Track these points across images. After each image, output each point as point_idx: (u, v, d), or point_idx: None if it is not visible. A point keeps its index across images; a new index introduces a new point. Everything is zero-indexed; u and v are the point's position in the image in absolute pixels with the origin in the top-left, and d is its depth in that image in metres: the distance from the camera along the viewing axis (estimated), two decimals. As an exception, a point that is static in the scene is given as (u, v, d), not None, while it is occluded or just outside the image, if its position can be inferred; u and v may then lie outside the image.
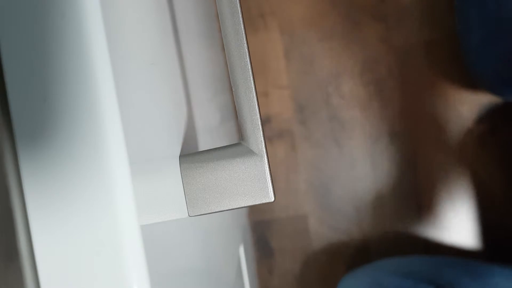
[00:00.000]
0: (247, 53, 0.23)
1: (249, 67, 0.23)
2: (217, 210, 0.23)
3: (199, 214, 0.23)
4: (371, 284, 0.62)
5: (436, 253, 0.83)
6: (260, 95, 0.85)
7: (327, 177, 0.84)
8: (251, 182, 0.23)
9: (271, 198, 0.23)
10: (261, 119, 0.23)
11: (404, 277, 0.61)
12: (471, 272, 0.60)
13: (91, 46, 0.17)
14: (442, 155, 0.83)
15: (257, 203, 0.23)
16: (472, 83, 0.81)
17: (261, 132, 0.23)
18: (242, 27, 0.23)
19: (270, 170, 0.23)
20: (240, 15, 0.23)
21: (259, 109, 0.23)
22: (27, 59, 0.17)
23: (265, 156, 0.23)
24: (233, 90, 0.23)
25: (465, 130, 0.83)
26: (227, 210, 0.23)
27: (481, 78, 0.72)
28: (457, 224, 0.83)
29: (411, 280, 0.60)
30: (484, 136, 0.83)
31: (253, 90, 0.23)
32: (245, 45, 0.23)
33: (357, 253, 0.84)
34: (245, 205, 0.23)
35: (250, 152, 0.23)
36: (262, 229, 0.85)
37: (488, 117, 0.83)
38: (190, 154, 0.24)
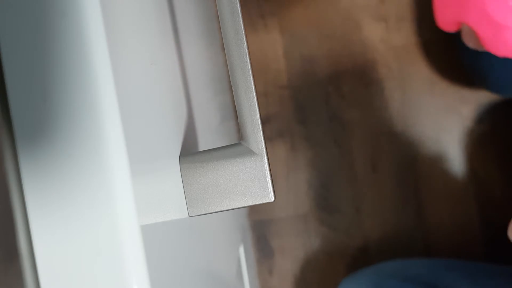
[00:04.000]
0: (247, 53, 0.23)
1: (249, 67, 0.23)
2: (217, 210, 0.23)
3: (199, 214, 0.23)
4: (371, 287, 0.62)
5: (436, 253, 0.83)
6: (260, 95, 0.84)
7: (327, 177, 0.84)
8: (251, 182, 0.23)
9: (271, 198, 0.23)
10: (261, 119, 0.23)
11: (404, 281, 0.61)
12: (471, 274, 0.60)
13: (91, 46, 0.17)
14: (442, 155, 0.83)
15: (257, 203, 0.23)
16: (472, 82, 0.81)
17: (261, 132, 0.23)
18: (242, 27, 0.23)
19: (270, 170, 0.23)
20: (240, 15, 0.23)
21: (259, 109, 0.23)
22: (27, 59, 0.17)
23: (265, 156, 0.23)
24: (233, 90, 0.23)
25: (465, 130, 0.83)
26: (227, 210, 0.23)
27: (477, 74, 0.71)
28: (457, 224, 0.83)
29: (411, 283, 0.60)
30: (484, 136, 0.83)
31: (253, 90, 0.23)
32: (245, 45, 0.23)
33: (357, 253, 0.84)
34: (245, 205, 0.23)
35: (250, 152, 0.23)
36: (262, 229, 0.85)
37: (488, 117, 0.83)
38: (190, 154, 0.24)
